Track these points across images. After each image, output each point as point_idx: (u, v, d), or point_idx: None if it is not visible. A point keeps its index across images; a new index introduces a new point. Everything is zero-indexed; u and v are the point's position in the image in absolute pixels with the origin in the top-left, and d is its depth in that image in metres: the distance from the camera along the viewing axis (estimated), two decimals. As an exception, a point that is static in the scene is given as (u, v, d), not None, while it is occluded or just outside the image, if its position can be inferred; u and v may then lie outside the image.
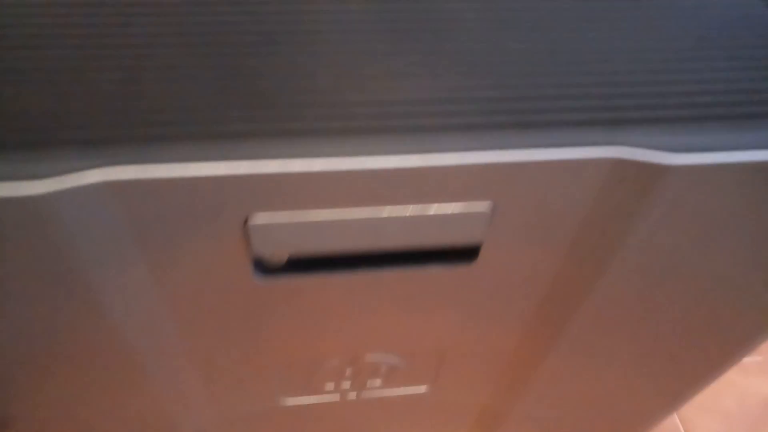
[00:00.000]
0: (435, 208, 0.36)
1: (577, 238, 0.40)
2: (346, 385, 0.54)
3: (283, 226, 0.35)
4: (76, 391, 0.49)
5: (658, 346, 0.60)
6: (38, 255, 0.34)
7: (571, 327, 0.52)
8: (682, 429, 0.85)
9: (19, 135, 0.32)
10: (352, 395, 0.56)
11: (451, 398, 0.62)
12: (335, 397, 0.56)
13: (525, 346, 0.55)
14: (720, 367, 0.66)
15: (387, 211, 0.36)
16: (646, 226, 0.39)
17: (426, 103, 0.35)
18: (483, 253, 0.40)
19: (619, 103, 0.36)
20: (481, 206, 0.37)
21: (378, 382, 0.54)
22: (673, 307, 0.51)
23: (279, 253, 0.38)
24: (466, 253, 0.41)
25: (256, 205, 0.34)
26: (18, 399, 0.51)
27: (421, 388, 0.57)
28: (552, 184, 0.36)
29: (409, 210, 0.36)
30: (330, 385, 0.54)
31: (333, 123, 0.33)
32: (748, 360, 0.92)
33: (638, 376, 0.66)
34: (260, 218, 0.35)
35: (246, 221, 0.35)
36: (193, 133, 0.32)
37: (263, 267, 0.40)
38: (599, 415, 0.74)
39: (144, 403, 0.52)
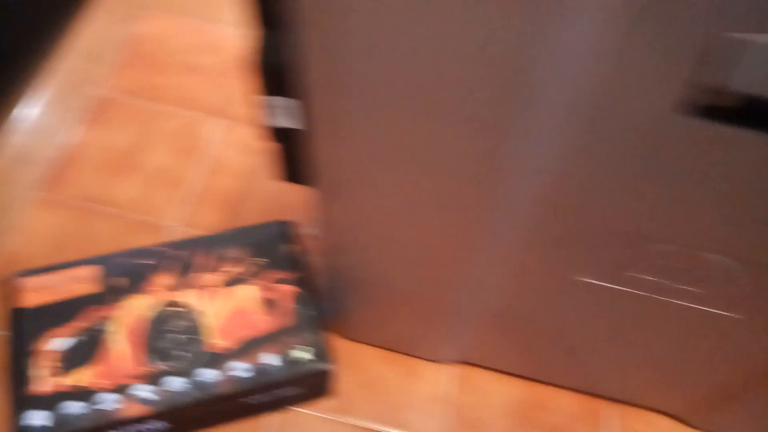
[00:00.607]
0: None
1: None
2: (656, 278, 0.51)
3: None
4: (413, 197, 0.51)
5: None
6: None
7: None
8: None
9: None
10: (651, 294, 0.53)
11: (728, 349, 0.58)
12: (631, 286, 0.53)
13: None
14: None
15: None
16: None
17: None
18: None
19: None
20: None
21: (694, 289, 0.51)
22: None
23: (736, 84, 0.35)
24: None
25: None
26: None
27: (721, 316, 0.53)
28: None
29: None
30: (636, 273, 0.52)
31: None
32: None
33: None
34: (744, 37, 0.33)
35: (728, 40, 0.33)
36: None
37: (689, 104, 0.38)
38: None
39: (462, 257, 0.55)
